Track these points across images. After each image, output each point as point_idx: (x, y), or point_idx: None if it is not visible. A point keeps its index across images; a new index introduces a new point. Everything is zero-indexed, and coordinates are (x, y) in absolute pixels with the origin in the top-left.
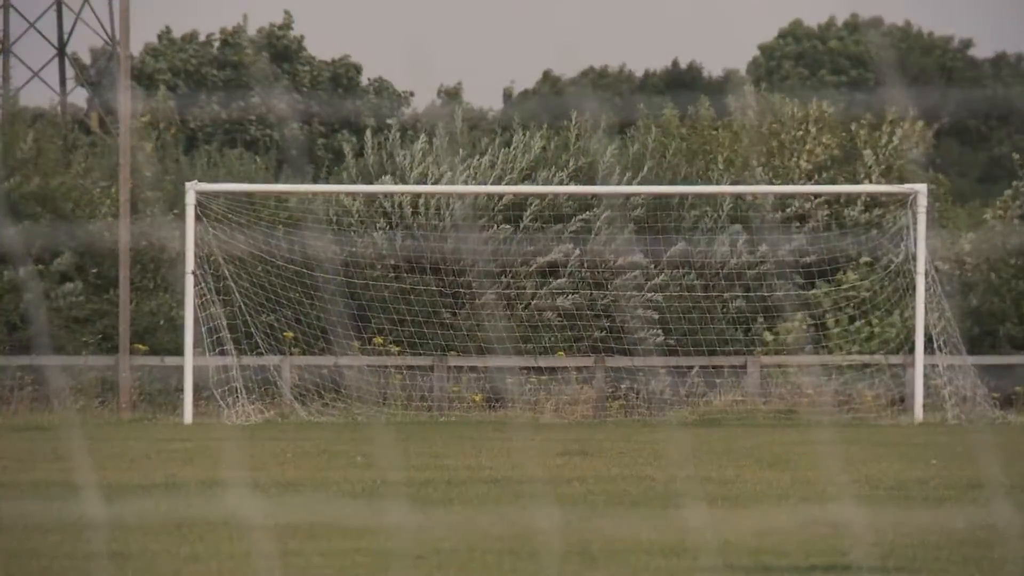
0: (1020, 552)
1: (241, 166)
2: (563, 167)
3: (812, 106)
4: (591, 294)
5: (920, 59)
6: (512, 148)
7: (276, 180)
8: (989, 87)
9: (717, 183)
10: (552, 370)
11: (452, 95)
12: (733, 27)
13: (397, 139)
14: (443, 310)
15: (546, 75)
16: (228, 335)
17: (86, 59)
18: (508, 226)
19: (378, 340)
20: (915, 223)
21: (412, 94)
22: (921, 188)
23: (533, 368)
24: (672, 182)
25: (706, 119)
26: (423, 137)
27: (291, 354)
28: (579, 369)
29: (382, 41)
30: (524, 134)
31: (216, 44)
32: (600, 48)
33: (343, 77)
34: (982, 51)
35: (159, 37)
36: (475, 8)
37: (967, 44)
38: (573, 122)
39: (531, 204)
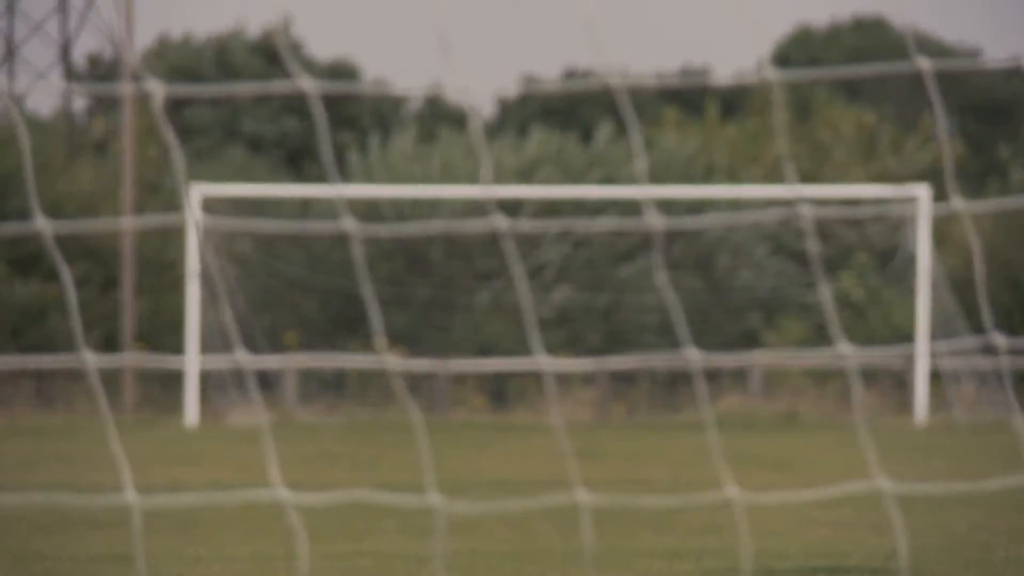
0: (1021, 554)
1: (251, 169)
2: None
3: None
4: (593, 296)
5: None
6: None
7: (277, 180)
8: (999, 94)
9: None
10: (555, 373)
11: (442, 95)
12: (740, 33)
13: (403, 139)
14: (445, 313)
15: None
16: (231, 337)
17: (87, 64)
18: (512, 226)
19: (380, 343)
20: (917, 225)
21: (412, 95)
22: (923, 191)
23: (535, 370)
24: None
25: (714, 120)
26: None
27: (294, 357)
28: (582, 372)
29: (382, 41)
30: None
31: (213, 47)
32: (595, 50)
33: (341, 78)
34: (993, 59)
35: (157, 44)
36: (466, 12)
37: (977, 52)
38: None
39: (525, 206)
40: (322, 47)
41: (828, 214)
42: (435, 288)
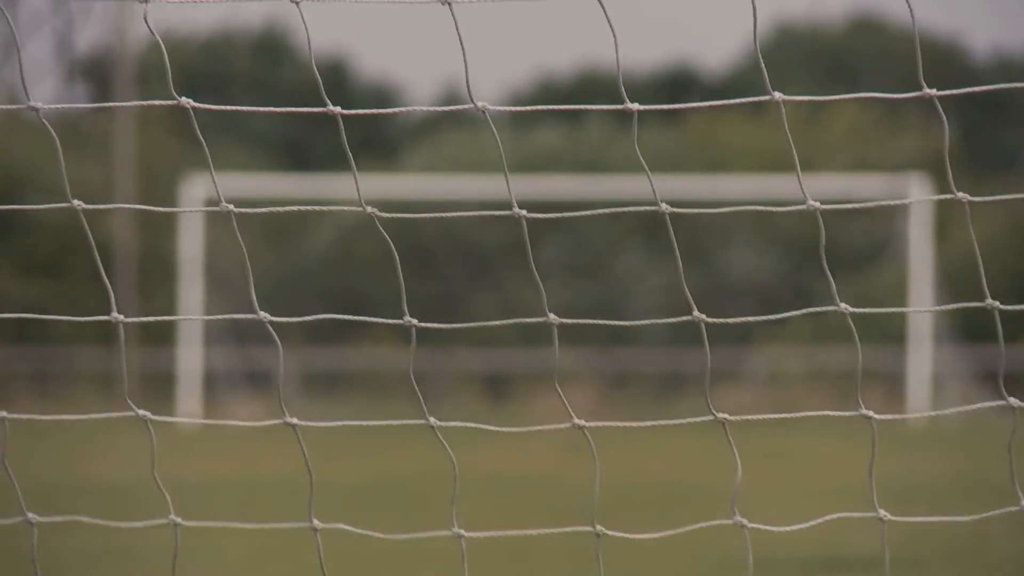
0: (1019, 551)
1: (253, 161)
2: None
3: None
4: (592, 291)
5: (917, 59)
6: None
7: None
8: (988, 82)
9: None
10: (552, 366)
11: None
12: (725, 27)
13: (407, 134)
14: (443, 304)
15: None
16: (228, 331)
17: (87, 59)
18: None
19: (377, 334)
20: (912, 217)
21: (412, 90)
22: (918, 181)
23: (533, 363)
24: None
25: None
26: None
27: (292, 350)
28: (580, 365)
29: (382, 38)
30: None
31: (214, 43)
32: (593, 47)
33: (339, 73)
34: (982, 48)
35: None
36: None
37: (965, 46)
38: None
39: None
40: (320, 42)
41: (820, 206)
42: (438, 283)
